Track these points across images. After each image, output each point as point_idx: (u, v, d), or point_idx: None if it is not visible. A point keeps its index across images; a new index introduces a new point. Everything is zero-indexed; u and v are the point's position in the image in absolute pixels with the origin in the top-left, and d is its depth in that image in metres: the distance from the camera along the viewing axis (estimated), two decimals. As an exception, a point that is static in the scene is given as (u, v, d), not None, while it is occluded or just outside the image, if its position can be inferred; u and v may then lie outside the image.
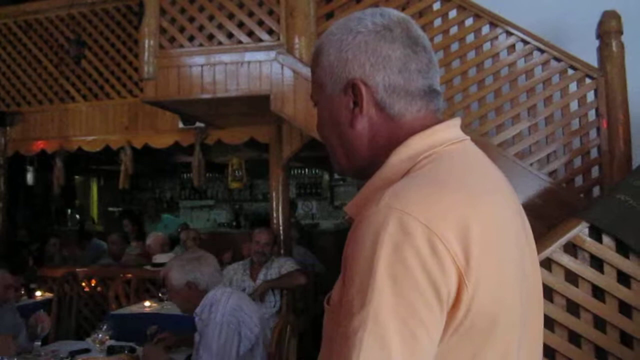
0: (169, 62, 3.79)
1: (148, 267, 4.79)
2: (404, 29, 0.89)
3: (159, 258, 4.76)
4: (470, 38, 3.50)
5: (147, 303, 4.01)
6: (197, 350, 2.38)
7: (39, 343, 2.83)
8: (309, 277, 4.39)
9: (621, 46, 3.19)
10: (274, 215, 4.98)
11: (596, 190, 3.25)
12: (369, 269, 0.72)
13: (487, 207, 0.79)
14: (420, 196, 0.75)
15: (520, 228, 0.87)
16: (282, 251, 4.84)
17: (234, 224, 9.70)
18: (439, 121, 0.88)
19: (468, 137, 0.90)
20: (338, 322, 0.76)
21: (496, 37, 3.44)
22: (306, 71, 3.61)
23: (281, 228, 4.96)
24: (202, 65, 3.75)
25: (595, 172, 3.26)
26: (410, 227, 0.72)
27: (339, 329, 0.74)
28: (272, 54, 3.67)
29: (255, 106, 4.06)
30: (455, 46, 3.51)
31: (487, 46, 3.46)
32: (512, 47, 3.41)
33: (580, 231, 2.13)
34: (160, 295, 4.05)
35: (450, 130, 0.88)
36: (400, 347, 0.69)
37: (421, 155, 0.84)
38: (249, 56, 3.71)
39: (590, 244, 2.13)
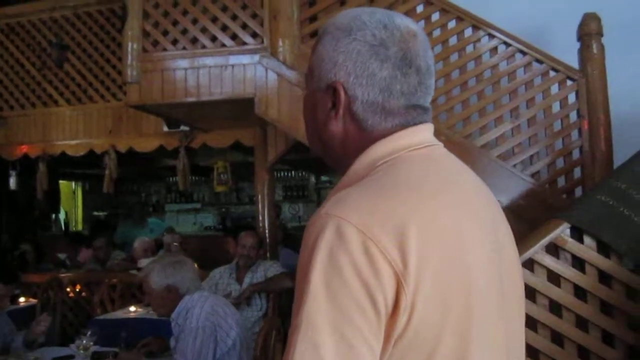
0: (152, 65, 3.78)
1: (133, 272, 4.76)
2: (402, 49, 0.86)
3: (144, 262, 4.73)
4: (453, 40, 3.53)
5: (132, 308, 3.98)
6: (174, 355, 2.37)
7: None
8: (295, 280, 4.38)
9: (601, 48, 3.23)
10: (260, 218, 4.97)
11: (578, 191, 3.29)
12: (305, 274, 0.73)
13: (435, 212, 0.78)
14: (360, 202, 0.76)
15: (491, 231, 0.86)
16: (268, 254, 4.82)
17: (221, 227, 9.66)
18: (398, 130, 0.87)
19: (439, 143, 0.90)
20: None
21: (479, 40, 3.46)
22: (290, 74, 3.62)
23: (267, 231, 4.95)
24: (185, 69, 3.74)
25: (577, 172, 3.30)
26: (346, 232, 0.72)
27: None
28: (256, 57, 3.67)
29: (240, 109, 4.05)
30: (438, 49, 3.53)
31: (470, 48, 3.49)
32: (494, 50, 3.44)
33: (562, 232, 2.16)
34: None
35: (416, 135, 0.87)
36: (334, 354, 0.69)
37: (380, 160, 0.84)
38: (233, 59, 3.71)
39: (571, 244, 2.15)
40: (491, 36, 3.43)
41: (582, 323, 2.15)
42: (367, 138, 0.87)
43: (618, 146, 3.29)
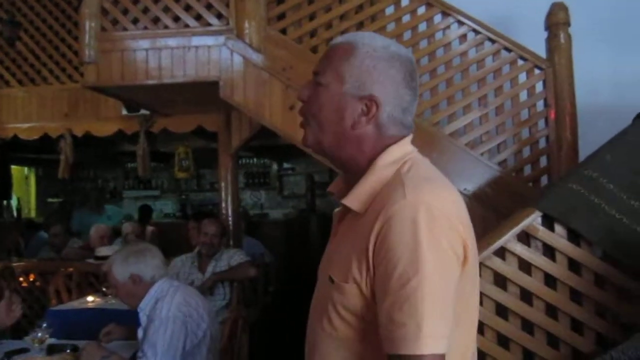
0: (111, 45, 3.61)
1: (91, 261, 4.59)
2: (414, 78, 1.15)
3: (102, 251, 4.57)
4: (422, 27, 3.48)
5: (90, 298, 3.83)
6: (142, 347, 2.27)
7: None
8: (259, 269, 4.31)
9: (569, 38, 3.25)
10: (223, 205, 4.86)
11: (544, 179, 3.31)
12: (415, 246, 0.98)
13: (458, 196, 1.10)
14: (431, 190, 1.04)
15: None
16: (231, 242, 4.73)
17: (180, 214, 9.48)
18: (403, 136, 1.15)
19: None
20: (343, 293, 1.06)
21: (448, 27, 3.43)
22: (256, 57, 3.52)
23: (230, 219, 4.85)
24: (147, 50, 3.59)
25: (543, 161, 3.32)
26: (435, 213, 1.00)
27: (386, 295, 0.99)
28: (221, 38, 3.55)
29: (203, 93, 3.93)
30: (407, 35, 3.49)
31: (439, 35, 3.46)
32: (463, 37, 3.42)
33: (534, 220, 2.15)
34: (104, 289, 3.88)
35: (409, 143, 1.16)
36: (442, 286, 0.99)
37: (401, 160, 1.12)
38: (196, 41, 3.58)
39: (543, 232, 2.15)
40: (460, 23, 3.40)
41: (552, 311, 2.16)
42: (381, 142, 1.14)
43: (583, 135, 3.33)
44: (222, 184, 4.90)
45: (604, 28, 3.82)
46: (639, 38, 3.75)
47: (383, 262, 1.00)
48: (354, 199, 1.11)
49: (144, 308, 2.39)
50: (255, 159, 9.99)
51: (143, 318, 2.38)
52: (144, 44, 3.59)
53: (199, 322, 2.34)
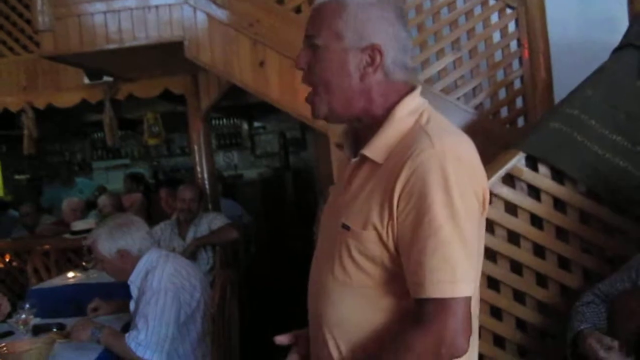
0: (66, 10, 3.42)
1: (67, 236, 4.48)
2: (404, 15, 1.16)
3: (78, 225, 4.46)
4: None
5: (70, 274, 3.75)
6: (134, 319, 2.23)
7: None
8: (240, 231, 4.28)
9: (539, -26, 3.18)
10: (198, 169, 4.77)
11: (521, 121, 3.30)
12: (446, 193, 1.01)
13: (474, 146, 1.11)
14: (454, 139, 1.08)
15: None
16: (209, 206, 4.67)
17: (153, 181, 9.32)
18: (414, 86, 1.17)
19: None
20: (360, 240, 1.09)
21: (417, -31, 3.33)
22: (221, 14, 3.38)
23: (207, 182, 4.77)
24: (104, 12, 3.41)
25: (519, 102, 3.30)
26: (462, 161, 1.04)
27: (415, 242, 1.03)
28: (183, -5, 3.39)
29: (168, 55, 3.78)
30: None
31: (407, -21, 3.35)
32: (433, -21, 3.32)
33: (518, 162, 2.13)
34: (84, 264, 3.80)
35: (419, 94, 1.17)
36: (471, 231, 1.05)
37: (417, 111, 1.13)
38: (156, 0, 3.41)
39: (527, 173, 2.14)
40: (429, -36, 3.30)
41: (539, 251, 2.17)
42: (391, 87, 1.15)
43: (555, 73, 3.31)
44: (195, 148, 4.80)
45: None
46: (608, -29, 3.69)
47: (412, 209, 1.03)
48: (374, 150, 1.12)
49: (134, 280, 2.34)
50: (225, 120, 9.81)
51: (134, 290, 2.33)
52: (101, 6, 3.41)
53: (192, 292, 2.30)
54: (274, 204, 7.57)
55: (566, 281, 2.14)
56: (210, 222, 4.11)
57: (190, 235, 4.04)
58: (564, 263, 2.17)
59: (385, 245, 1.07)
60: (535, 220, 2.17)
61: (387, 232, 1.06)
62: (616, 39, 3.92)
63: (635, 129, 2.08)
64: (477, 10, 3.32)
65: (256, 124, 10.17)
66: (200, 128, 4.76)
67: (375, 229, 1.07)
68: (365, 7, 1.12)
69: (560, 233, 2.16)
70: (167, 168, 9.75)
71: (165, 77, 4.73)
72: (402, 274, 1.07)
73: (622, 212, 2.11)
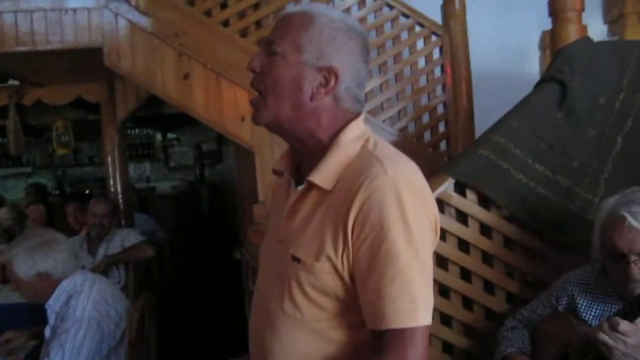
0: (-29, 6, 3.14)
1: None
2: (368, 53, 1.15)
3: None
4: (320, -9, 3.39)
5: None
6: (48, 347, 2.03)
7: None
8: (155, 248, 4.09)
9: (463, 4, 3.32)
10: (111, 182, 4.53)
11: (443, 145, 3.40)
12: (402, 220, 0.99)
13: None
14: (405, 165, 1.06)
15: None
16: (123, 222, 4.43)
17: (58, 192, 8.77)
18: (359, 113, 1.15)
19: None
20: (313, 272, 1.04)
21: (347, -9, 3.37)
22: (144, 21, 3.23)
23: (120, 196, 4.53)
24: (15, 12, 3.16)
25: (442, 127, 3.40)
26: (413, 186, 1.02)
27: (372, 271, 0.99)
28: (102, 0, 3.21)
29: (84, 61, 3.57)
30: (306, 0, 3.38)
31: (337, 1, 3.38)
32: (362, 2, 3.37)
33: (447, 187, 2.17)
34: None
35: (363, 120, 1.16)
36: (428, 257, 1.03)
37: (363, 137, 1.11)
38: (74, 2, 3.21)
39: (456, 199, 2.18)
40: (359, -12, 3.35)
41: (465, 274, 2.21)
42: (339, 115, 1.12)
43: (476, 100, 3.45)
44: (109, 159, 4.54)
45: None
46: (524, 4, 3.91)
47: (368, 237, 1.00)
48: (322, 176, 1.07)
49: (53, 305, 2.12)
50: (137, 130, 9.45)
51: (52, 315, 2.11)
52: (11, 5, 3.16)
53: (117, 321, 2.12)
54: (189, 219, 7.34)
55: (491, 304, 2.19)
56: (124, 238, 3.90)
57: (101, 253, 3.81)
58: (488, 287, 2.23)
59: (340, 276, 1.03)
60: (462, 245, 2.22)
61: (341, 262, 1.02)
62: (528, 68, 4.17)
63: (556, 159, 2.17)
64: (404, 35, 3.40)
65: (170, 135, 9.88)
66: (115, 138, 4.53)
67: (329, 259, 1.03)
68: (332, 29, 1.09)
69: (486, 257, 2.22)
70: (73, 178, 9.21)
71: (78, 83, 4.46)
72: (356, 305, 1.04)
73: (543, 238, 2.20)
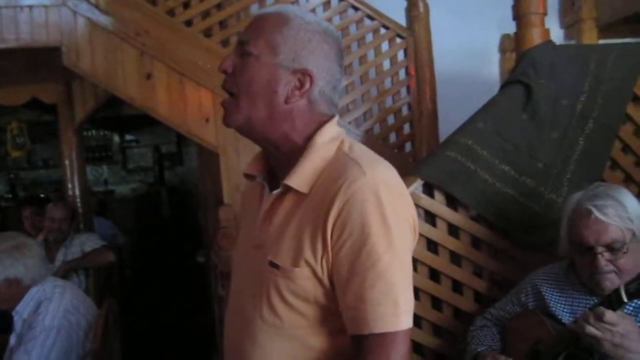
0: None
1: None
2: (343, 57, 1.15)
3: None
4: (285, -8, 3.37)
5: None
6: (12, 355, 1.95)
7: None
8: (115, 253, 3.99)
9: (426, 7, 3.36)
10: (69, 186, 4.39)
11: (408, 146, 3.43)
12: (383, 223, 0.98)
13: None
14: (383, 167, 1.05)
15: None
16: (82, 226, 4.30)
17: (10, 196, 8.45)
18: (333, 115, 1.14)
19: None
20: (292, 278, 1.02)
21: (312, -8, 3.36)
22: (105, 20, 3.15)
23: (79, 200, 4.40)
24: (-34, 8, 3.03)
25: (407, 128, 3.43)
26: (392, 188, 1.02)
27: (353, 275, 0.98)
28: (60, -3, 3.11)
29: (40, 60, 3.46)
30: (270, 1, 3.36)
31: (303, 1, 3.37)
32: (327, 4, 3.37)
33: (416, 189, 2.18)
34: None
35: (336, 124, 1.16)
36: (408, 260, 1.03)
37: (337, 138, 1.10)
38: (30, -1, 3.10)
39: (425, 200, 2.19)
40: (324, -11, 3.35)
41: (435, 275, 2.23)
42: (313, 118, 1.10)
43: (439, 101, 3.49)
44: (67, 162, 4.41)
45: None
46: (484, 8, 3.98)
47: (347, 240, 0.98)
48: (298, 179, 1.05)
49: (20, 312, 2.04)
50: (94, 131, 9.20)
51: (18, 322, 2.03)
52: (-38, 1, 3.03)
53: (87, 331, 2.05)
54: (149, 222, 7.19)
55: (459, 304, 2.22)
56: (83, 243, 3.79)
57: (59, 258, 3.69)
58: (457, 286, 2.25)
59: (320, 280, 1.02)
60: (431, 245, 2.24)
61: (321, 267, 1.01)
62: (488, 71, 4.25)
63: (521, 160, 2.21)
64: (369, 37, 3.41)
65: (128, 137, 9.66)
66: (72, 141, 4.39)
67: (309, 264, 1.01)
68: (308, 31, 1.07)
69: (454, 257, 2.24)
70: (26, 182, 8.90)
71: (33, 83, 4.31)
72: (336, 310, 1.02)
73: (509, 237, 2.23)
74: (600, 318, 1.39)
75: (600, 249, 1.55)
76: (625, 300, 1.39)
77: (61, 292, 2.09)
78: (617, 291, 1.41)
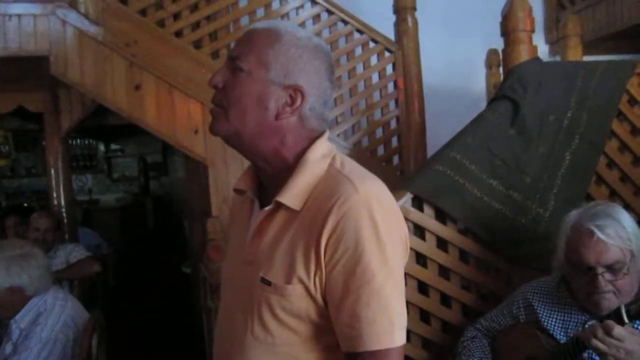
0: None
1: None
2: (333, 72, 1.15)
3: None
4: (275, 5, 3.39)
5: None
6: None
7: None
8: (101, 264, 3.95)
9: (415, 22, 3.39)
10: (55, 195, 4.35)
11: (396, 159, 3.46)
12: (377, 240, 0.98)
13: None
14: (375, 184, 1.05)
15: None
16: (67, 236, 4.26)
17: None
18: (324, 131, 1.14)
19: None
20: (284, 295, 1.02)
21: (302, 6, 3.38)
22: (94, 30, 3.14)
23: (64, 210, 4.36)
24: (-47, 16, 3.01)
25: (394, 141, 3.46)
26: (385, 205, 1.02)
27: (347, 292, 0.99)
28: (50, 7, 3.10)
29: (27, 69, 3.44)
30: (260, 12, 3.38)
31: (293, 15, 3.39)
32: (317, 17, 3.39)
33: (405, 202, 2.20)
34: None
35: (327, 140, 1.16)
36: (401, 276, 1.04)
37: (329, 155, 1.10)
38: (19, 8, 3.08)
39: (414, 214, 2.21)
40: (314, 2, 3.37)
41: (423, 288, 2.24)
42: (304, 134, 1.10)
43: (427, 115, 3.53)
44: (52, 171, 4.37)
45: (436, 12, 4.04)
46: (471, 24, 4.04)
47: (342, 258, 0.98)
48: (290, 196, 1.05)
49: (19, 321, 2.02)
50: (78, 140, 9.14)
51: (15, 331, 2.02)
52: (-51, 9, 3.01)
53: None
54: (134, 232, 7.14)
55: (447, 317, 2.23)
56: (68, 254, 3.75)
57: (43, 269, 3.64)
58: (445, 300, 2.26)
59: (312, 298, 1.02)
60: (420, 259, 2.25)
61: (314, 284, 1.01)
62: (475, 85, 4.30)
63: (509, 174, 2.24)
64: (358, 51, 3.44)
65: (113, 146, 9.61)
66: (59, 149, 4.36)
67: (302, 281, 1.01)
68: (299, 47, 1.07)
69: (443, 270, 2.26)
70: (9, 191, 8.79)
71: (19, 92, 4.28)
72: (330, 327, 1.03)
73: (496, 251, 2.25)
74: (608, 332, 1.38)
75: (601, 270, 1.55)
76: (627, 321, 1.39)
77: (62, 305, 2.08)
78: (617, 312, 1.41)
